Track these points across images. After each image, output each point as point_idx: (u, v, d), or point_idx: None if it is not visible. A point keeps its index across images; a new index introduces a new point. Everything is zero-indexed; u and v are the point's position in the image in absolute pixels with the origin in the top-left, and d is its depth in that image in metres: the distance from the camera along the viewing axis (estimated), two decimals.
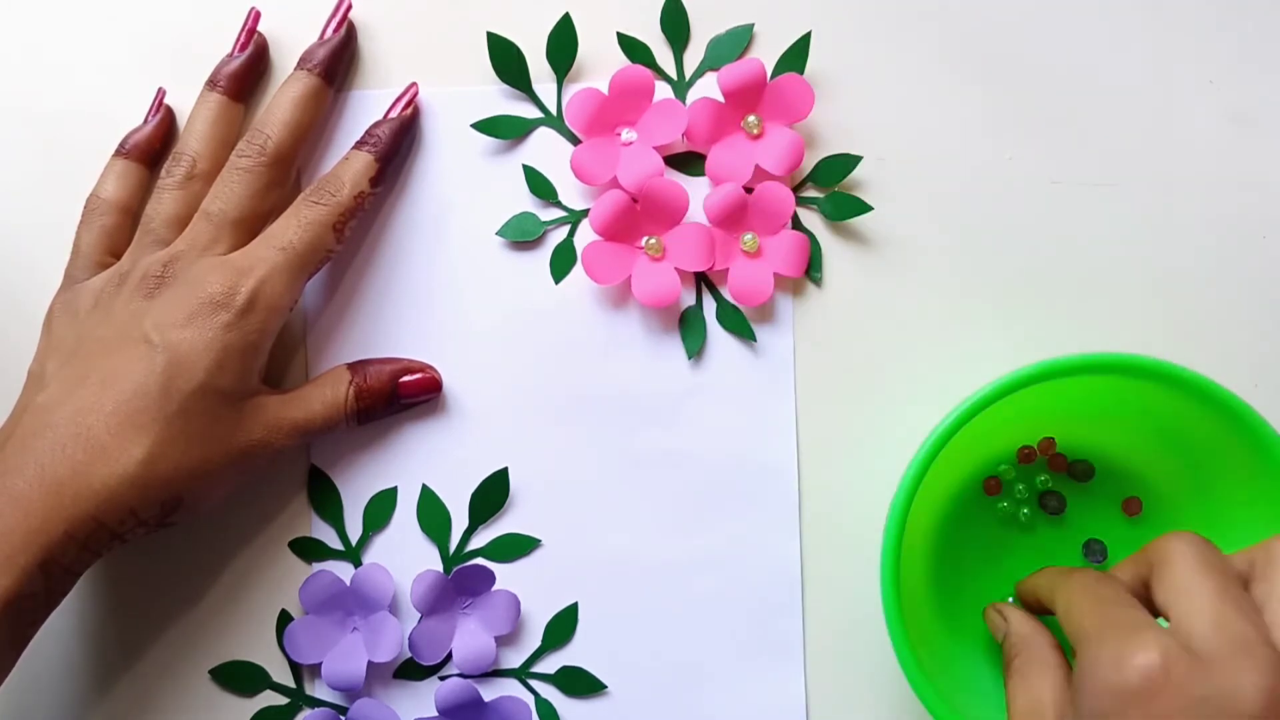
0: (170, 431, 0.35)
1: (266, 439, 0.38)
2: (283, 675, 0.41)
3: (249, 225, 0.38)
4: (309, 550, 0.41)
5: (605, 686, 0.41)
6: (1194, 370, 0.35)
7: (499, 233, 0.42)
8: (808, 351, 0.41)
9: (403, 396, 0.40)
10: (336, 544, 0.41)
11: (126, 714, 0.41)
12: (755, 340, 0.41)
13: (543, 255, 0.42)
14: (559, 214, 0.42)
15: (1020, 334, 0.42)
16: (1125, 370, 0.36)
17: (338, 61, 0.40)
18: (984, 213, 0.42)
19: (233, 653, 0.41)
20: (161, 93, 0.41)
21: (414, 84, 0.41)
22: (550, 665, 0.41)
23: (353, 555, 0.41)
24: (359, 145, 0.40)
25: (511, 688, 0.41)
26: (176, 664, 0.41)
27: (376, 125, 0.40)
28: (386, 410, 0.40)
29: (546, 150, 0.42)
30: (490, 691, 0.41)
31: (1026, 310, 0.42)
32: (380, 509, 0.41)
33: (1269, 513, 0.36)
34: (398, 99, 0.41)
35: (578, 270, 0.41)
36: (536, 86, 0.42)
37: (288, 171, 0.40)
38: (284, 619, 0.41)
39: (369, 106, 0.41)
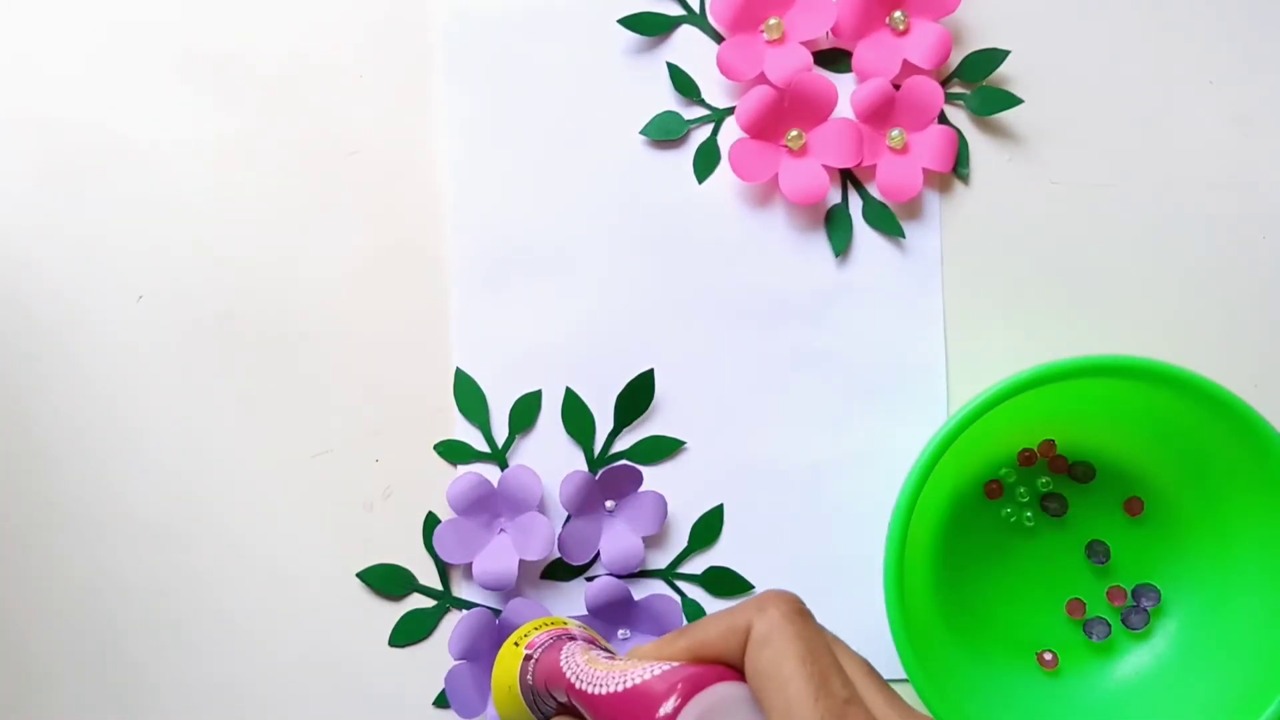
0: None
1: None
2: (429, 579, 0.41)
3: None
4: (455, 453, 0.41)
5: (753, 587, 0.41)
6: (1194, 371, 0.34)
7: (642, 131, 0.41)
8: (955, 249, 0.41)
9: None
10: (482, 446, 0.41)
11: (276, 616, 0.41)
12: (904, 237, 0.41)
13: (685, 154, 0.41)
14: (702, 113, 0.41)
15: (1022, 335, 0.41)
16: (1125, 373, 0.35)
17: None
18: (1133, 104, 0.41)
19: (380, 557, 0.41)
20: None
21: None
22: (697, 566, 0.41)
23: (499, 457, 0.41)
24: None
25: (658, 588, 0.41)
26: (325, 567, 0.41)
27: None
28: None
29: (689, 49, 0.41)
30: (638, 592, 0.41)
31: (1032, 311, 0.41)
32: (525, 411, 0.41)
33: (1270, 511, 0.36)
34: None
35: (720, 170, 0.41)
36: None
37: None
38: (431, 521, 0.41)
39: None
